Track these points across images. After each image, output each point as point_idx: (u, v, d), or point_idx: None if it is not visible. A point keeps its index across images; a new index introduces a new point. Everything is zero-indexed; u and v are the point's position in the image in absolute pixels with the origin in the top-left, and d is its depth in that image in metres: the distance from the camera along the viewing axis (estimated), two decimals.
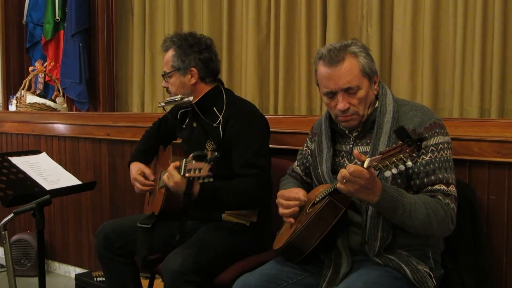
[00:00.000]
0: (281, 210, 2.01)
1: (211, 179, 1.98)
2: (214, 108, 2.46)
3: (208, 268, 2.24)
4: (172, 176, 2.14)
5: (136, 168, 2.65)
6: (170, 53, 2.47)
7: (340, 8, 3.04)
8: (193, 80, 2.46)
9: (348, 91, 1.89)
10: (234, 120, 2.39)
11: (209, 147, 2.42)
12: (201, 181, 2.01)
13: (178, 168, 2.13)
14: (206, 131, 2.45)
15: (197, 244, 2.30)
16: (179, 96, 2.46)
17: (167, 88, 2.53)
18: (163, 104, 2.52)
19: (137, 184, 2.61)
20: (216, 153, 1.97)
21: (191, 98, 2.45)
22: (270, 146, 2.49)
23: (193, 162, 1.99)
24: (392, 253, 1.86)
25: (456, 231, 1.90)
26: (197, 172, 1.98)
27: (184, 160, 2.07)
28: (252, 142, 2.36)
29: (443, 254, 2.02)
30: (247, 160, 2.33)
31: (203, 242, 2.32)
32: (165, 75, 2.50)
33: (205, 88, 2.49)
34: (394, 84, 2.93)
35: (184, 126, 2.62)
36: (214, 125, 2.41)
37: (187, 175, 2.01)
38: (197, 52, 2.44)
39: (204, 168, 1.96)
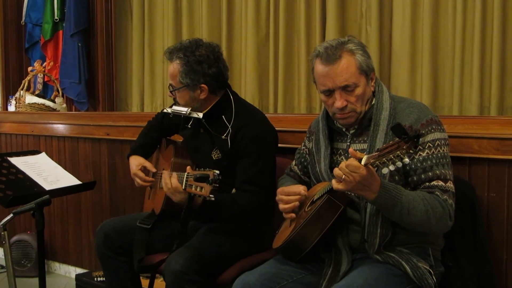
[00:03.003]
0: (282, 206, 2.01)
1: (212, 199, 2.02)
2: (223, 116, 2.40)
3: (210, 268, 2.24)
4: (175, 189, 2.16)
5: (136, 162, 2.63)
6: (177, 67, 2.36)
7: (339, 7, 3.04)
8: (203, 96, 2.38)
9: (346, 89, 1.88)
10: (243, 133, 2.34)
11: (214, 156, 2.40)
12: (202, 198, 2.05)
13: (179, 180, 2.14)
14: (212, 140, 2.42)
15: (199, 244, 2.30)
16: (187, 109, 2.39)
17: (175, 98, 2.46)
18: (169, 111, 2.46)
19: (138, 180, 2.61)
20: (218, 176, 1.99)
21: (200, 115, 2.39)
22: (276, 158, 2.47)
23: (194, 179, 2.03)
24: (392, 251, 1.87)
25: (456, 229, 1.90)
26: (198, 190, 2.02)
27: (186, 174, 2.08)
28: (258, 160, 2.32)
29: (443, 251, 2.02)
30: (250, 177, 2.31)
31: (204, 242, 2.32)
32: (173, 90, 2.42)
33: (214, 99, 2.43)
34: (393, 82, 2.92)
35: (188, 126, 2.57)
36: (223, 137, 2.37)
37: (188, 190, 2.05)
38: (206, 68, 2.34)
39: (205, 189, 2.00)
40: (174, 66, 2.37)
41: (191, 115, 2.41)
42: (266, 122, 2.46)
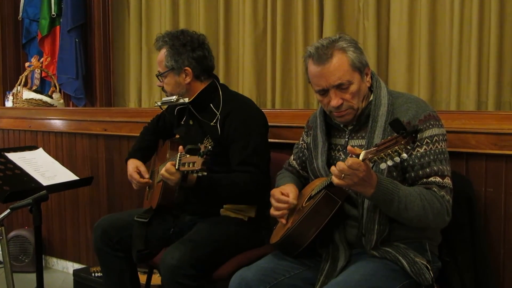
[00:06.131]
0: (272, 212, 2.03)
1: (205, 173, 2.01)
2: (211, 105, 2.45)
3: (206, 263, 2.24)
4: (168, 170, 2.16)
5: (132, 165, 2.66)
6: (163, 52, 2.46)
7: (336, 2, 3.03)
8: (188, 79, 2.45)
9: (340, 87, 1.88)
10: (232, 118, 2.39)
11: (207, 144, 2.42)
12: (195, 174, 2.04)
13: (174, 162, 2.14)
14: (203, 128, 2.45)
15: (195, 238, 2.30)
16: (174, 97, 2.46)
17: (163, 87, 2.53)
18: (159, 103, 2.52)
19: (134, 181, 2.64)
20: (209, 147, 2.01)
21: (186, 100, 2.46)
22: (268, 140, 2.49)
23: (187, 156, 2.04)
24: (389, 246, 1.87)
25: (454, 224, 1.90)
26: (191, 165, 2.02)
27: (179, 154, 2.10)
28: (250, 140, 2.35)
29: (440, 246, 2.02)
30: (245, 158, 2.33)
31: (201, 236, 2.32)
32: (159, 75, 2.50)
33: (200, 86, 2.48)
34: (391, 77, 2.92)
35: (181, 123, 2.61)
36: (212, 124, 2.41)
37: (181, 169, 2.05)
38: (190, 51, 2.43)
39: (197, 162, 2.00)
40: (161, 53, 2.48)
41: (178, 101, 2.46)
42: (254, 106, 2.52)
